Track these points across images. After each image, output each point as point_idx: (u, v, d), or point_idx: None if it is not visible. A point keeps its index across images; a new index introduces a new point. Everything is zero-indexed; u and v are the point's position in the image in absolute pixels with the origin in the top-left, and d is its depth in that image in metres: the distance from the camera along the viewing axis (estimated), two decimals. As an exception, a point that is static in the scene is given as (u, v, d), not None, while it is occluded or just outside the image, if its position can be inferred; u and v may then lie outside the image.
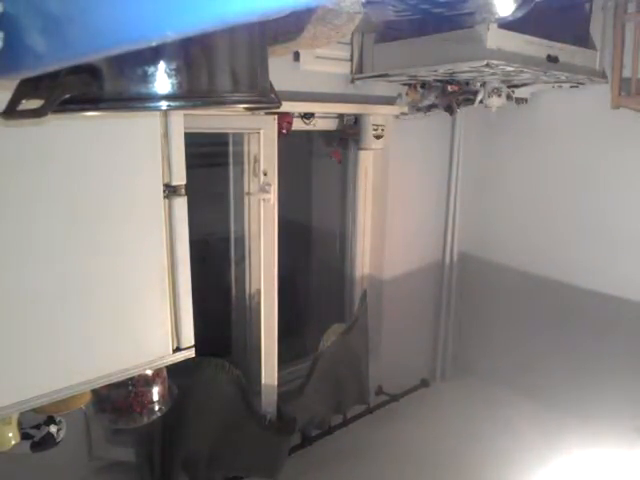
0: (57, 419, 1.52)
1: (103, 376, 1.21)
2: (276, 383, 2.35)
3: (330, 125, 2.55)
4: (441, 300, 3.22)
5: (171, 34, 0.42)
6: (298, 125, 2.31)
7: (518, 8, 1.34)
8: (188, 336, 1.35)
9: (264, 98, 0.83)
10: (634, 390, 2.55)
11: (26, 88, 0.71)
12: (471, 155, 3.05)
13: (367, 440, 2.65)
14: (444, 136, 2.99)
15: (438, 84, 2.54)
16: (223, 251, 2.45)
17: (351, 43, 2.39)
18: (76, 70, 0.65)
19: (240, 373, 2.12)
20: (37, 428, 1.49)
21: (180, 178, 1.28)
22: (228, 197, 2.38)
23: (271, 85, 0.87)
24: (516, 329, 3.07)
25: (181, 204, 1.28)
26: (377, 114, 2.50)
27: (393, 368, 2.91)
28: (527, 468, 2.46)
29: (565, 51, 2.21)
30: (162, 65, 0.67)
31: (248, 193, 2.31)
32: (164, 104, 0.70)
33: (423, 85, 2.55)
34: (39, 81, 0.65)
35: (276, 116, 2.12)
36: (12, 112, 0.72)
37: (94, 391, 1.39)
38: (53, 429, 1.50)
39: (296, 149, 2.62)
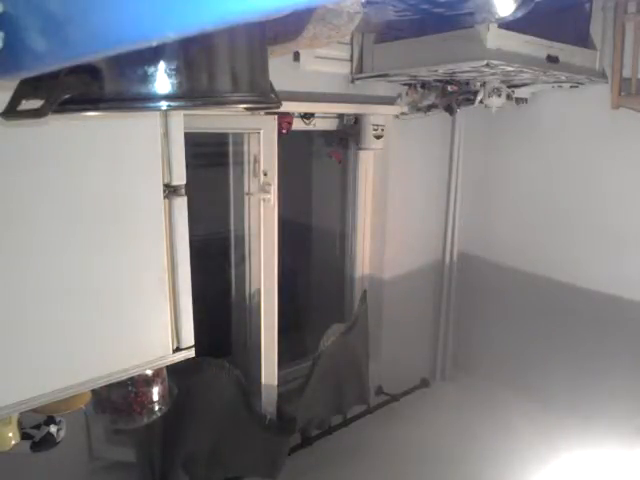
0: (57, 419, 1.52)
1: (103, 376, 1.20)
2: (276, 383, 2.35)
3: (330, 125, 2.55)
4: (441, 300, 3.22)
5: (171, 34, 0.42)
6: (298, 125, 2.31)
7: (518, 8, 1.34)
8: (188, 336, 1.35)
9: (264, 98, 0.83)
10: (634, 390, 2.55)
11: (26, 88, 0.71)
12: (471, 155, 3.04)
13: (367, 440, 2.65)
14: (444, 136, 2.98)
15: (438, 84, 2.54)
16: (223, 251, 2.45)
17: (351, 43, 2.39)
18: (76, 70, 0.65)
19: (240, 373, 2.12)
20: (37, 428, 1.49)
21: (180, 178, 1.28)
22: (228, 197, 2.38)
23: (271, 85, 0.87)
24: (516, 329, 3.07)
25: (181, 204, 1.28)
26: (377, 114, 2.50)
27: (393, 368, 2.91)
28: (527, 468, 2.46)
29: (565, 51, 2.21)
30: (162, 65, 0.67)
31: (248, 193, 2.31)
32: (164, 104, 0.70)
33: (423, 85, 2.55)
34: (39, 81, 0.65)
35: (276, 116, 2.12)
36: (12, 112, 0.72)
37: (94, 391, 1.39)
38: (53, 429, 1.50)
39: (296, 149, 2.62)
